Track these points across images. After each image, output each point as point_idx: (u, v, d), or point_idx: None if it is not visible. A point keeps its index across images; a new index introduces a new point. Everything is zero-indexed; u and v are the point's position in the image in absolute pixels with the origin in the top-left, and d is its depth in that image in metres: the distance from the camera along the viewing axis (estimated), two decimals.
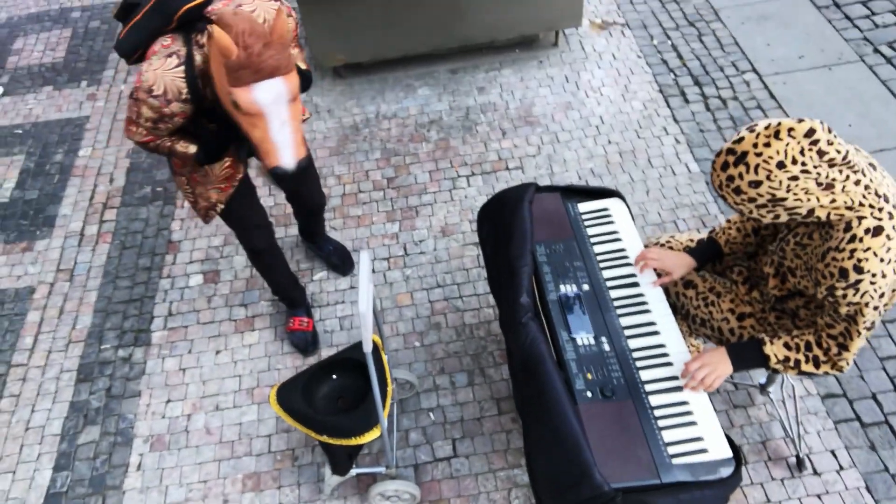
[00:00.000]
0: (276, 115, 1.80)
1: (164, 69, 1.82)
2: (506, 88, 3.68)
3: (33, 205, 3.42)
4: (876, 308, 1.63)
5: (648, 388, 1.81)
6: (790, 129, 1.49)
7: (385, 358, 2.23)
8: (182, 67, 1.84)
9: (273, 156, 1.86)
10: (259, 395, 2.64)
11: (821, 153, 1.49)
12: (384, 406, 2.05)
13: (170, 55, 1.84)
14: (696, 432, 1.72)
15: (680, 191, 3.14)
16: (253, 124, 1.81)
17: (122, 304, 2.99)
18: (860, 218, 1.55)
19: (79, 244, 3.23)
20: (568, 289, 2.01)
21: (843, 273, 1.57)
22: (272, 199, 3.31)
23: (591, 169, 3.27)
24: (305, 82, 2.13)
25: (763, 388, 2.42)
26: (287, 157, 1.86)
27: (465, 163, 3.36)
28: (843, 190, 1.53)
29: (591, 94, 3.59)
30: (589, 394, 1.79)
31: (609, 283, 2.03)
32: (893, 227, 1.55)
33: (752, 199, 1.57)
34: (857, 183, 1.54)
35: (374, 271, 2.98)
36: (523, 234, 2.06)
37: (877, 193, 1.56)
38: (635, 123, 3.43)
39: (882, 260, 1.54)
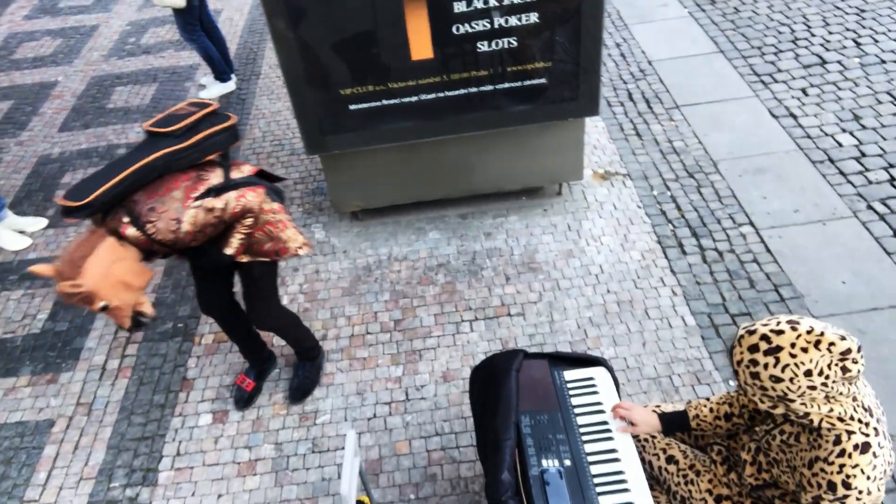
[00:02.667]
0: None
1: None
2: (511, 234, 3.88)
3: (62, 336, 3.63)
4: None
5: None
6: (830, 344, 1.55)
7: None
8: None
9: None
10: None
11: (844, 370, 1.57)
12: None
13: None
14: None
15: (676, 344, 3.23)
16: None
17: (134, 442, 3.12)
18: (849, 432, 1.61)
19: (100, 378, 3.41)
20: (549, 464, 2.08)
21: (832, 486, 1.62)
22: None
23: (590, 318, 3.39)
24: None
25: None
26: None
27: (469, 307, 3.51)
28: (841, 403, 1.62)
29: (591, 243, 3.77)
30: None
31: (590, 458, 2.11)
32: (879, 445, 1.62)
33: (763, 388, 1.63)
34: (855, 398, 1.63)
35: (375, 416, 3.08)
36: (508, 407, 2.17)
37: (864, 407, 1.64)
38: (633, 273, 3.58)
39: (869, 478, 1.60)
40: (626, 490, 2.03)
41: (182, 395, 3.29)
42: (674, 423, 2.16)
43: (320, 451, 3.00)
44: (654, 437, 2.25)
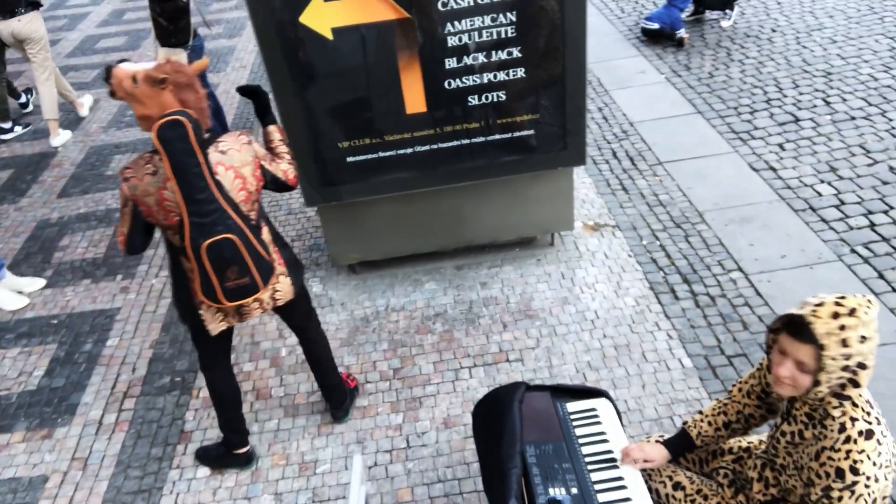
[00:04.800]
0: None
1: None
2: (507, 284, 3.95)
3: (58, 392, 3.60)
4: None
5: None
6: (870, 301, 1.67)
7: None
8: None
9: None
10: None
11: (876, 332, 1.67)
12: None
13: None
14: None
15: (675, 386, 3.26)
16: None
17: (130, 495, 3.06)
18: (853, 420, 1.67)
19: (96, 432, 3.37)
20: (557, 492, 2.08)
21: (840, 473, 1.65)
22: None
23: (588, 362, 3.43)
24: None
25: None
26: None
27: (467, 354, 3.54)
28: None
29: (585, 290, 3.84)
30: None
31: (597, 487, 2.11)
32: (882, 433, 1.67)
33: (847, 357, 1.63)
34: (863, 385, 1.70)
35: (376, 464, 3.05)
36: (513, 436, 2.18)
37: (865, 399, 1.71)
38: (628, 318, 3.64)
39: (875, 464, 1.64)
40: None
41: (180, 447, 3.25)
42: (681, 447, 2.18)
43: (321, 501, 2.95)
44: None
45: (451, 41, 3.16)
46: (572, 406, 2.39)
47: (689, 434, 2.18)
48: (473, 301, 3.87)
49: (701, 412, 2.20)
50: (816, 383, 1.69)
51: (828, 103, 5.28)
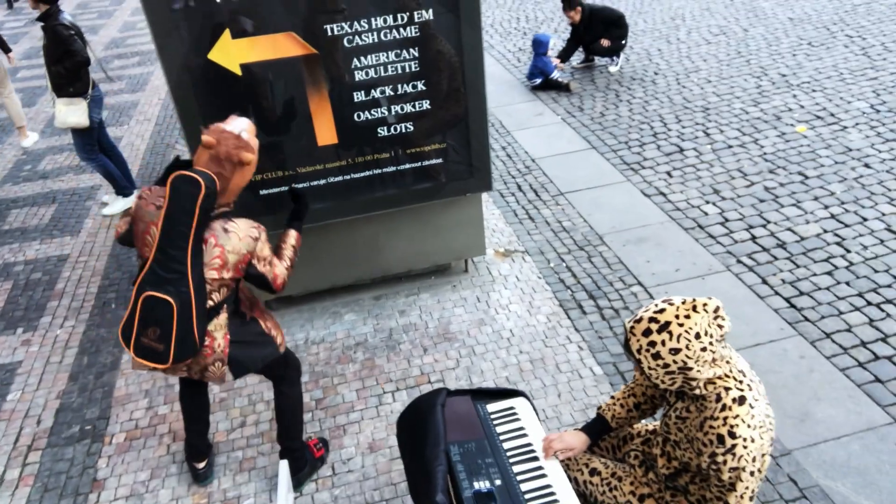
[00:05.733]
0: None
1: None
2: (425, 310, 4.05)
3: None
4: (752, 473, 1.85)
5: None
6: (704, 305, 1.81)
7: None
8: None
9: None
10: None
11: (720, 327, 1.82)
12: None
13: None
14: None
15: (588, 392, 3.42)
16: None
17: None
18: (727, 388, 1.84)
19: None
20: (481, 485, 2.16)
21: (721, 439, 1.81)
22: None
23: (507, 377, 3.54)
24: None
25: None
26: None
27: (389, 379, 3.58)
28: (720, 367, 1.84)
29: (500, 311, 4.00)
30: None
31: (519, 478, 2.20)
32: (753, 398, 1.84)
33: (665, 366, 1.81)
34: (729, 362, 1.86)
35: (301, 495, 3.02)
36: (436, 437, 2.25)
37: (737, 369, 1.88)
38: (541, 334, 3.80)
39: (749, 426, 1.81)
40: (556, 501, 2.12)
41: (93, 496, 3.10)
42: (598, 430, 2.31)
43: None
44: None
45: (359, 76, 3.31)
46: (492, 406, 2.48)
47: (604, 417, 2.32)
48: (393, 328, 3.94)
49: (612, 397, 2.35)
50: (656, 384, 1.89)
51: (707, 134, 5.79)
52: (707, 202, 4.89)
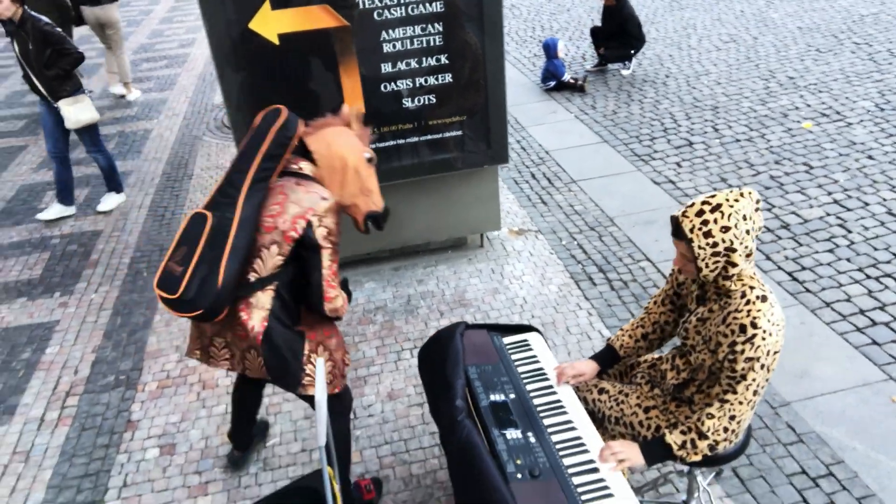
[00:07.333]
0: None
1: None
2: (441, 280, 4.24)
3: None
4: (763, 367, 2.01)
5: (571, 470, 2.08)
6: (749, 192, 2.01)
7: (337, 488, 2.41)
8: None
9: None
10: None
11: (759, 218, 2.01)
12: None
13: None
14: (615, 503, 1.97)
15: (595, 350, 3.57)
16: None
17: (76, 479, 3.06)
18: (751, 287, 2.03)
19: (38, 428, 3.36)
20: (497, 397, 2.34)
21: (742, 328, 1.99)
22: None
23: None
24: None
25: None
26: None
27: (408, 339, 3.77)
28: (751, 263, 2.02)
29: (513, 282, 4.18)
30: (519, 475, 2.04)
31: (532, 394, 2.38)
32: (773, 301, 2.04)
33: (714, 244, 1.98)
34: (753, 262, 2.05)
35: None
36: (456, 357, 2.43)
37: (758, 279, 2.07)
38: (553, 302, 3.98)
39: (769, 321, 1.99)
40: (565, 412, 2.30)
41: (127, 434, 3.29)
42: (607, 359, 2.49)
43: (271, 469, 3.05)
44: None
45: (387, 48, 3.55)
46: (507, 339, 2.67)
47: (612, 347, 2.49)
48: (411, 295, 4.13)
49: (622, 329, 2.53)
50: (699, 269, 2.06)
51: (716, 130, 5.99)
52: (714, 189, 5.06)
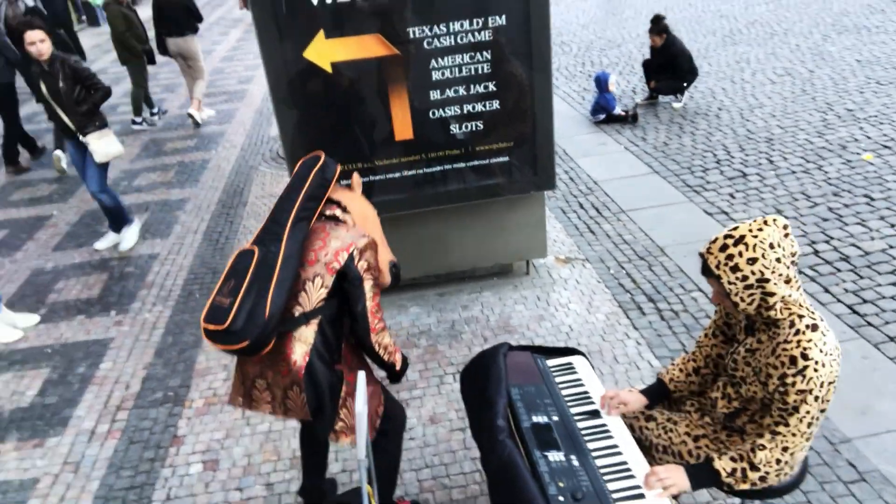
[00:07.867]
0: None
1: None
2: (486, 306, 4.22)
3: (51, 408, 3.69)
4: (817, 399, 1.92)
5: (615, 496, 2.01)
6: (774, 220, 1.95)
7: None
8: None
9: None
10: None
11: (790, 244, 1.94)
12: None
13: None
14: None
15: (645, 382, 3.48)
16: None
17: (122, 491, 3.11)
18: (800, 316, 1.94)
19: (88, 440, 3.44)
20: (539, 418, 2.28)
21: (793, 360, 1.90)
22: None
23: None
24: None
25: None
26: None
27: (451, 363, 3.74)
28: (796, 289, 1.94)
29: (560, 309, 4.12)
30: (561, 498, 1.97)
31: (576, 417, 2.32)
32: (824, 329, 1.94)
33: (744, 278, 1.91)
34: (799, 288, 1.97)
35: (366, 457, 3.17)
36: (498, 376, 2.40)
37: (807, 306, 1.99)
38: (600, 330, 3.90)
39: (821, 352, 1.90)
40: (610, 436, 2.23)
41: (172, 449, 3.34)
42: (656, 393, 2.41)
43: None
44: None
45: (436, 76, 3.62)
46: (551, 361, 2.62)
47: (663, 381, 2.42)
48: (455, 321, 4.11)
49: (672, 362, 2.45)
50: (735, 304, 2.00)
51: (771, 161, 5.86)
52: None
